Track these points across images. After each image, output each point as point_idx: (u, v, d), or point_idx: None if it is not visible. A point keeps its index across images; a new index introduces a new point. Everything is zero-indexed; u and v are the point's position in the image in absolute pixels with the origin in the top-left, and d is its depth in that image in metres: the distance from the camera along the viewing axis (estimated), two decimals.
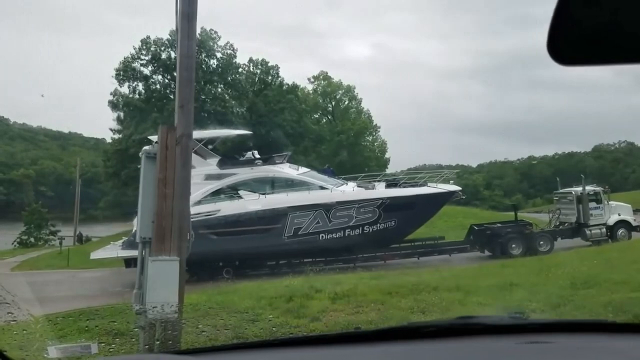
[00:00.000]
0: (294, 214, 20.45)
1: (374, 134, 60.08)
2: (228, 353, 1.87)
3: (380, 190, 21.75)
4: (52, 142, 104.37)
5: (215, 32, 47.27)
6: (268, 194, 21.12)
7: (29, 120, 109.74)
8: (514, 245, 20.66)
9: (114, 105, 46.45)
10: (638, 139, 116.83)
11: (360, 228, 20.74)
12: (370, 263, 20.11)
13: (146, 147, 7.76)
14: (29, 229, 48.58)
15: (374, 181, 23.58)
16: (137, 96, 45.98)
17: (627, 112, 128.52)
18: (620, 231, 21.80)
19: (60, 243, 36.84)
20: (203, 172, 20.85)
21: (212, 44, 46.49)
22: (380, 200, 20.92)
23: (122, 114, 46.66)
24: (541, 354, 1.60)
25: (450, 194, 22.58)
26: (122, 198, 41.80)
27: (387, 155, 60.09)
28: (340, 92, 60.43)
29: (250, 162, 22.36)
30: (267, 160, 22.68)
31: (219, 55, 47.56)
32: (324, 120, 60.26)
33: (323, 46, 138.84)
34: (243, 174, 21.35)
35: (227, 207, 20.43)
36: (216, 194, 20.86)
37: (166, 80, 45.71)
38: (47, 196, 68.47)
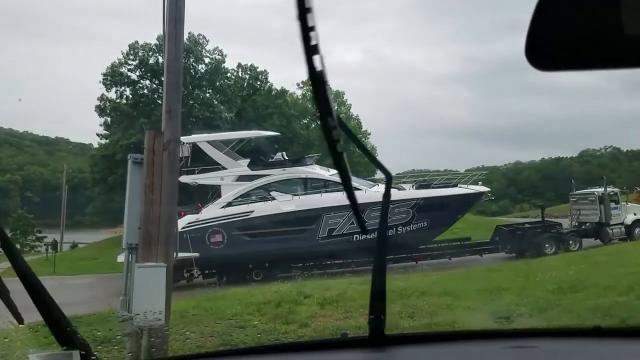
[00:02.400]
0: (329, 215, 20.42)
1: (364, 140, 60.22)
2: (240, 357, 1.85)
3: (415, 191, 21.76)
4: (38, 148, 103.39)
5: (204, 37, 47.19)
6: (301, 194, 21.09)
7: (15, 126, 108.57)
8: (547, 245, 20.90)
9: (101, 111, 46.15)
10: (623, 144, 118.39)
11: (394, 229, 20.53)
12: (401, 264, 19.89)
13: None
14: (15, 235, 47.97)
15: (401, 182, 23.41)
16: (124, 101, 45.72)
17: (614, 117, 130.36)
18: (637, 230, 22.65)
19: (47, 249, 36.41)
20: (235, 173, 21.00)
21: (200, 48, 46.38)
22: (415, 201, 20.95)
23: (109, 119, 46.37)
24: (527, 359, 1.60)
25: (480, 194, 22.77)
26: (109, 204, 41.47)
27: None
28: None
29: (282, 163, 22.41)
30: (298, 161, 22.89)
31: (207, 60, 47.47)
32: (313, 126, 60.30)
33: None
34: (276, 174, 21.30)
35: (261, 208, 20.34)
36: (246, 196, 20.79)
37: (154, 85, 45.50)
38: (34, 202, 67.79)
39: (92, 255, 33.95)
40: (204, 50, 46.91)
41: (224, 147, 22.26)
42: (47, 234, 48.69)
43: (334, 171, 22.59)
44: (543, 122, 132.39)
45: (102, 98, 45.88)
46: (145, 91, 46.34)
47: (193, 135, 25.36)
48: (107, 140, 45.30)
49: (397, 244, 20.09)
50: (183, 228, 19.80)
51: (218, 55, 48.04)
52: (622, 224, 22.46)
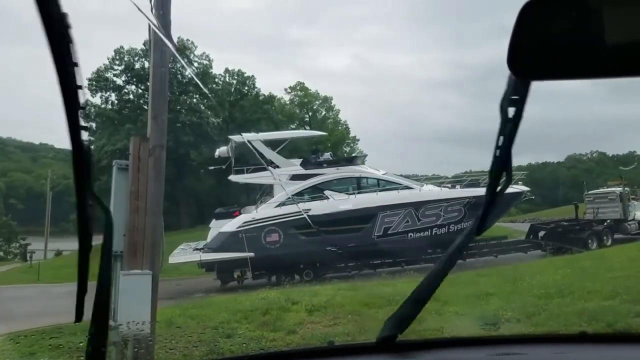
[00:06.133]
0: (384, 213, 20.55)
1: (352, 145, 60.31)
2: None
3: (466, 190, 21.93)
4: (22, 154, 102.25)
5: (192, 42, 47.12)
6: (356, 193, 21.19)
7: None
8: (589, 241, 21.63)
9: (85, 116, 45.30)
10: (609, 149, 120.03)
11: (446, 227, 20.86)
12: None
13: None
14: None
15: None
16: (109, 107, 45.47)
17: (600, 122, 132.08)
18: None
19: (30, 257, 35.93)
20: (288, 172, 21.08)
21: (188, 53, 46.27)
22: (467, 199, 21.04)
23: (94, 125, 46.05)
24: None
25: (521, 193, 23.10)
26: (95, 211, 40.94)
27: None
28: (317, 102, 60.59)
29: (336, 163, 22.70)
30: (351, 160, 23.15)
31: (194, 65, 47.38)
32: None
33: (300, 57, 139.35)
34: (330, 174, 21.39)
35: (318, 207, 20.37)
36: (300, 195, 20.81)
37: (139, 91, 45.34)
38: (17, 209, 66.95)
39: (77, 263, 33.47)
40: (192, 55, 46.83)
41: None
42: (32, 241, 48.10)
43: (383, 170, 22.93)
44: (529, 127, 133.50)
45: (86, 104, 45.45)
46: (131, 96, 46.18)
47: (245, 134, 25.76)
48: (92, 147, 44.84)
49: (449, 242, 20.30)
50: (238, 227, 19.91)
51: (205, 60, 48.02)
52: (634, 220, 24.28)
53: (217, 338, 6.70)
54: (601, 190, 27.07)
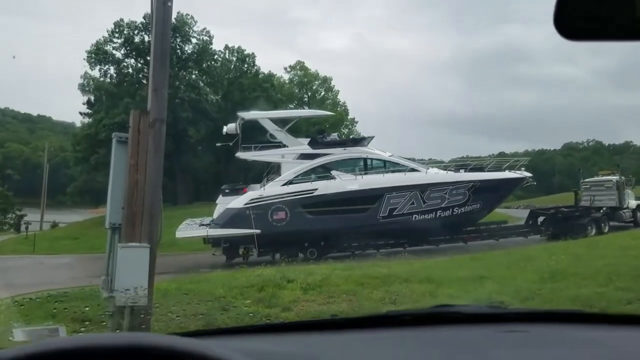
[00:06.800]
0: (390, 195, 20.62)
1: (350, 127, 60.06)
2: (228, 336, 1.81)
3: (471, 174, 22.17)
4: (20, 125, 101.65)
5: (192, 17, 46.53)
6: (363, 174, 21.33)
7: None
8: (589, 227, 21.97)
9: (84, 89, 45.43)
10: (606, 138, 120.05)
11: (450, 210, 21.06)
12: (451, 245, 20.35)
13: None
14: None
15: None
16: (108, 80, 45.03)
17: (598, 111, 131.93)
18: (639, 214, 25.34)
19: (26, 228, 35.97)
20: (296, 151, 21.20)
21: (187, 29, 45.73)
22: (472, 183, 21.29)
23: (92, 98, 45.70)
24: (519, 343, 1.61)
25: (523, 179, 23.40)
26: (91, 184, 40.96)
27: None
28: (316, 82, 60.19)
29: (343, 143, 22.80)
30: (358, 141, 23.06)
31: (194, 40, 46.89)
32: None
33: (300, 36, 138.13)
34: (337, 154, 21.46)
35: (325, 187, 20.48)
36: (307, 174, 20.94)
37: (139, 65, 44.87)
38: (14, 180, 66.75)
39: (73, 235, 33.60)
40: (191, 31, 46.30)
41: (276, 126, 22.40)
42: (28, 212, 48.07)
43: (389, 152, 22.94)
44: (528, 114, 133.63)
45: (85, 76, 45.12)
46: (130, 70, 45.71)
47: (252, 112, 25.76)
48: (90, 120, 44.69)
49: (452, 225, 20.81)
50: (246, 204, 20.01)
51: (205, 36, 47.47)
52: (628, 208, 24.88)
53: (213, 312, 6.76)
54: (598, 178, 27.43)
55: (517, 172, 23.33)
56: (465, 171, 22.65)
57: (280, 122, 22.75)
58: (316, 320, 2.37)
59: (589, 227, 22.03)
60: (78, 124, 49.60)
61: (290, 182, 20.55)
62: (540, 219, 23.39)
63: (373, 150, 22.42)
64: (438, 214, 21.00)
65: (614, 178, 25.64)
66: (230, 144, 22.43)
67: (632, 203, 25.42)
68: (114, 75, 45.03)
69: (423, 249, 19.87)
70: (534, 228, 22.82)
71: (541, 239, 21.53)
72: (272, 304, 8.86)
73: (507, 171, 23.03)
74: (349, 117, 60.53)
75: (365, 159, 21.86)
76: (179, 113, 39.62)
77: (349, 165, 21.62)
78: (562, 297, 7.94)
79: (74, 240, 30.78)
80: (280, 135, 21.85)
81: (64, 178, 65.49)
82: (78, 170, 48.04)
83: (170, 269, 16.10)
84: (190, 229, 21.13)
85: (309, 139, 22.62)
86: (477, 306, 1.90)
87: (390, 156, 22.44)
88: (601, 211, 23.85)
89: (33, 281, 14.35)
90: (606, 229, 22.41)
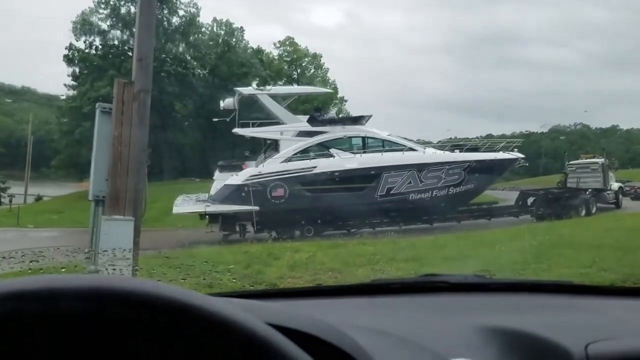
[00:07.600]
0: (388, 174, 20.71)
1: (340, 105, 59.70)
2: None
3: (466, 154, 22.36)
4: (3, 96, 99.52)
5: None
6: (362, 152, 21.33)
7: None
8: (580, 208, 22.35)
9: (69, 60, 44.49)
10: (593, 122, 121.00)
11: (446, 189, 21.23)
12: (446, 224, 20.52)
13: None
14: None
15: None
16: (93, 52, 44.13)
17: (585, 95, 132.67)
18: (620, 196, 26.42)
19: (10, 201, 35.55)
20: (295, 129, 21.07)
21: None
22: (468, 163, 21.49)
23: (77, 70, 44.82)
24: (507, 309, 1.61)
25: (516, 160, 23.67)
26: (76, 158, 40.31)
27: None
28: (306, 59, 59.56)
29: (342, 121, 22.89)
30: (357, 120, 22.95)
31: (181, 12, 45.99)
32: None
33: (290, 10, 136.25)
34: (336, 132, 21.39)
35: (324, 164, 20.45)
36: (305, 152, 20.86)
37: (125, 37, 44.01)
38: None
39: (57, 208, 33.22)
40: (178, 2, 45.38)
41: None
42: (11, 185, 47.45)
43: (387, 132, 22.98)
44: (516, 96, 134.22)
45: (70, 47, 44.13)
46: (116, 42, 44.87)
47: (250, 87, 25.73)
48: (75, 92, 43.89)
49: (447, 204, 21.02)
50: (245, 180, 19.90)
51: (193, 8, 46.60)
52: (611, 189, 25.56)
53: (198, 288, 6.69)
54: (584, 160, 27.91)
55: (510, 153, 23.50)
56: (460, 151, 22.83)
57: (279, 99, 22.63)
58: (299, 288, 2.34)
59: (580, 208, 22.39)
60: (63, 97, 48.68)
61: (289, 159, 20.49)
62: (530, 199, 23.63)
63: (372, 129, 22.38)
64: (434, 193, 21.18)
65: (600, 160, 26.10)
66: (227, 119, 22.24)
67: (615, 185, 26.15)
68: (100, 47, 44.17)
69: (418, 228, 19.99)
70: (524, 208, 23.03)
71: (531, 219, 21.79)
72: (258, 281, 8.84)
73: (500, 152, 23.19)
74: (339, 95, 60.14)
75: (364, 138, 21.81)
76: (165, 87, 39.04)
77: (347, 144, 21.61)
78: (545, 278, 8.01)
79: (59, 213, 30.46)
80: (279, 111, 21.70)
81: (48, 151, 64.49)
82: (63, 143, 47.23)
83: (156, 245, 16.01)
84: (187, 204, 21.03)
85: (307, 117, 22.51)
86: (464, 276, 1.88)
87: (388, 135, 22.49)
88: (587, 192, 24.21)
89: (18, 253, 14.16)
90: (594, 210, 22.83)
